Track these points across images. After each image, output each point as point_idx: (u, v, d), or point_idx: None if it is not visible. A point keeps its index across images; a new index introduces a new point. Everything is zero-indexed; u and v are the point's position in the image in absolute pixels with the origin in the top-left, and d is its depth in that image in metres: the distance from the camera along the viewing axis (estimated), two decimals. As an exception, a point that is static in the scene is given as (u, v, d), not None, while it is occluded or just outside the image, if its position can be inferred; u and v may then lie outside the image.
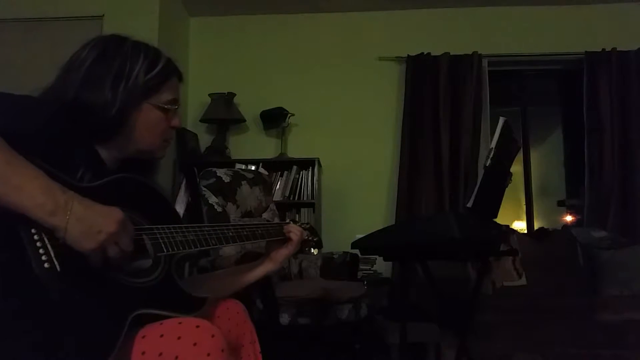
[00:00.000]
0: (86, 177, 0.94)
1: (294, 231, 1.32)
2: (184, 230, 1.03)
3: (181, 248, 1.00)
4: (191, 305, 0.99)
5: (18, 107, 0.92)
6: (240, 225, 1.21)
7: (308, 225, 1.45)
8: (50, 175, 0.83)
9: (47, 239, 0.80)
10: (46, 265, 0.78)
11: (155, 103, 1.07)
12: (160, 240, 0.97)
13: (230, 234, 1.14)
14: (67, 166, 0.89)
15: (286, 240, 1.32)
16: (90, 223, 0.81)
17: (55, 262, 0.79)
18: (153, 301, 0.92)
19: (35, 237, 0.79)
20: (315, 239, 1.45)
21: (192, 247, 1.02)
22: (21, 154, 0.80)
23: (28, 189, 0.78)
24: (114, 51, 1.05)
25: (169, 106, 1.10)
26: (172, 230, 1.00)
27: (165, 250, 0.97)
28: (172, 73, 1.12)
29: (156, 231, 0.97)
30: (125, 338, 0.83)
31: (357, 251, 2.01)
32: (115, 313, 0.84)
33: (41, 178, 0.80)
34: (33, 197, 0.77)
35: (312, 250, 1.43)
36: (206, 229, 1.09)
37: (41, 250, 0.79)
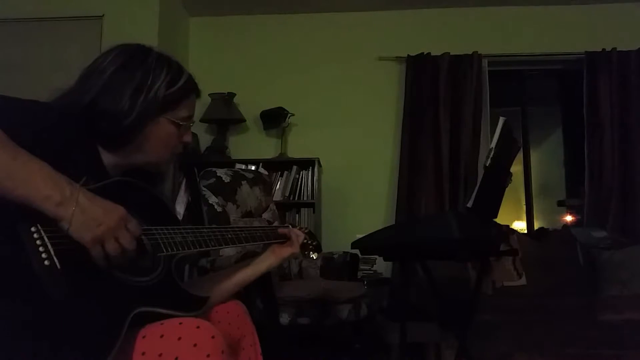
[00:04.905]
0: (90, 183, 0.94)
1: (294, 232, 1.33)
2: (183, 231, 1.03)
3: (180, 249, 1.00)
4: (192, 304, 1.00)
5: (21, 113, 0.92)
6: (239, 227, 1.21)
7: (307, 230, 1.45)
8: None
9: (47, 236, 0.80)
10: (46, 262, 0.78)
11: (171, 118, 1.07)
12: (160, 241, 0.97)
13: (229, 236, 1.15)
14: (70, 173, 0.89)
15: (285, 242, 1.33)
16: (92, 215, 0.82)
17: (55, 260, 0.79)
18: (153, 299, 0.92)
19: (35, 235, 0.79)
20: (314, 243, 1.46)
21: (192, 248, 1.03)
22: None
23: (35, 182, 0.79)
24: (137, 62, 1.05)
25: (184, 123, 1.10)
26: (171, 232, 1.00)
27: (164, 250, 0.97)
28: (191, 91, 1.12)
29: (155, 232, 0.97)
30: (125, 338, 0.83)
31: (357, 251, 2.01)
32: (116, 311, 0.84)
33: (46, 170, 0.81)
34: (40, 190, 0.78)
35: (312, 254, 1.44)
36: (205, 230, 1.09)
37: (41, 248, 0.79)
